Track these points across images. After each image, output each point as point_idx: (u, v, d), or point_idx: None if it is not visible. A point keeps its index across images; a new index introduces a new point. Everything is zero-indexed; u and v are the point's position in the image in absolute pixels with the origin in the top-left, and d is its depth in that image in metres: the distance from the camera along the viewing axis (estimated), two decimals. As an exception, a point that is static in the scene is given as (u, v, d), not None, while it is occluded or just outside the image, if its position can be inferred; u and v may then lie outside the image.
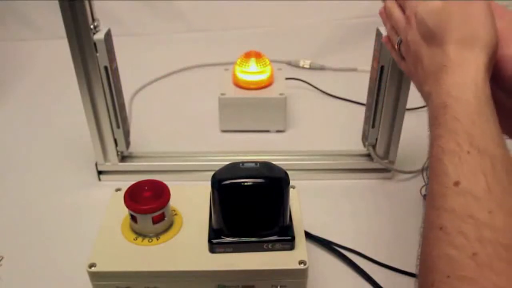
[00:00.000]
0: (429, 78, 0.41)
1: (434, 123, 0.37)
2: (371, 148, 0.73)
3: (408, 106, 0.67)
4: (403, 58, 0.49)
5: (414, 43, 0.44)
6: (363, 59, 0.84)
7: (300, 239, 0.50)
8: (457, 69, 0.39)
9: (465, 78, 0.38)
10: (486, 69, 0.38)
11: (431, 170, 0.36)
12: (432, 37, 0.41)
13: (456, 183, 0.34)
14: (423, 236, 0.36)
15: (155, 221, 0.50)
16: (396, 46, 0.49)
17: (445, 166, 0.35)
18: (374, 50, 0.66)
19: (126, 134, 0.72)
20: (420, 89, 0.44)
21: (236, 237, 0.49)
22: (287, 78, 0.91)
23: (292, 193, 0.53)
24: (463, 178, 0.34)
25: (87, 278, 0.48)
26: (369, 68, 0.68)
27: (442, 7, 0.41)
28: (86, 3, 0.59)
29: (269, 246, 0.49)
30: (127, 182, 0.53)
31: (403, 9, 0.47)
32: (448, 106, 0.37)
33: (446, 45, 0.40)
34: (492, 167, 0.33)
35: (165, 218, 0.51)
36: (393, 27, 0.50)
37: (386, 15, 0.51)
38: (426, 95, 0.42)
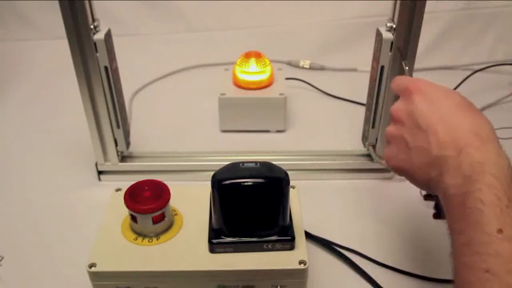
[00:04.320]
0: (448, 147, 0.42)
1: (469, 179, 0.39)
2: (371, 148, 0.73)
3: (408, 106, 0.67)
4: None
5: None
6: (363, 59, 0.84)
7: (300, 239, 0.50)
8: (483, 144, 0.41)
9: (496, 147, 0.41)
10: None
11: (465, 221, 0.38)
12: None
13: (500, 231, 0.36)
14: (463, 281, 0.38)
15: (155, 221, 0.50)
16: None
17: (486, 216, 0.37)
18: (374, 50, 0.66)
19: (126, 134, 0.72)
20: (439, 153, 0.42)
21: (236, 237, 0.49)
22: (287, 78, 0.91)
23: (292, 193, 0.53)
24: (506, 226, 0.36)
25: (87, 278, 0.48)
26: (369, 68, 0.68)
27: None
28: (86, 3, 0.59)
29: (269, 246, 0.49)
30: (127, 182, 0.53)
31: None
32: (485, 164, 0.39)
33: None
34: None
35: (165, 218, 0.51)
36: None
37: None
38: (446, 160, 0.42)
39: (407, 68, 0.61)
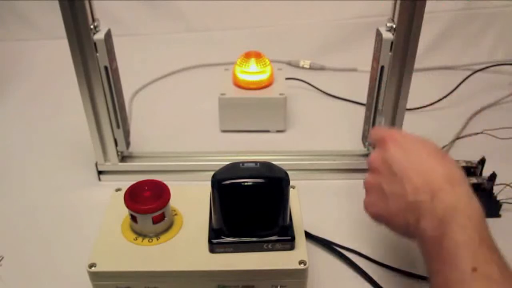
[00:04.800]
0: (423, 192, 0.44)
1: (444, 221, 0.41)
2: (371, 148, 0.73)
3: (408, 106, 0.67)
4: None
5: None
6: (363, 59, 0.84)
7: (300, 239, 0.50)
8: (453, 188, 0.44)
9: (468, 191, 0.44)
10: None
11: (441, 261, 0.40)
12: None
13: (474, 269, 0.38)
14: None
15: (155, 221, 0.50)
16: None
17: (460, 256, 0.39)
18: (374, 50, 0.66)
19: (126, 134, 0.72)
20: (414, 199, 0.44)
21: (236, 237, 0.49)
22: (287, 78, 0.91)
23: (292, 193, 0.53)
24: (479, 265, 0.38)
25: (87, 278, 0.48)
26: (369, 68, 0.68)
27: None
28: (86, 3, 0.59)
29: (269, 246, 0.49)
30: (127, 182, 0.53)
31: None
32: (457, 207, 0.42)
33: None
34: (499, 258, 0.39)
35: (165, 218, 0.51)
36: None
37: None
38: (421, 205, 0.44)
39: (383, 120, 0.66)
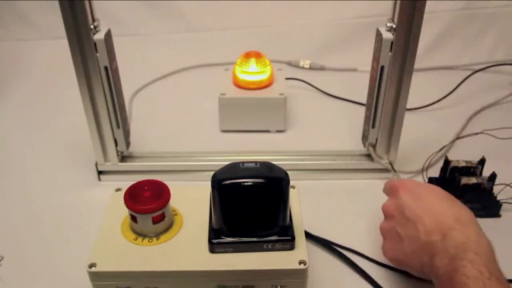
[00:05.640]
0: (435, 232, 0.47)
1: (455, 258, 0.44)
2: (371, 148, 0.73)
3: (408, 106, 0.67)
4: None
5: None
6: (363, 59, 0.84)
7: (300, 239, 0.50)
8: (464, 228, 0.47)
9: (476, 229, 0.47)
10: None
11: None
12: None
13: None
14: None
15: (155, 221, 0.50)
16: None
17: None
18: (374, 50, 0.66)
19: (126, 134, 0.72)
20: (427, 239, 0.48)
21: (236, 237, 0.49)
22: (287, 78, 0.91)
23: (292, 193, 0.53)
24: None
25: (87, 278, 0.48)
26: (369, 68, 0.68)
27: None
28: (86, 3, 0.59)
29: (269, 246, 0.49)
30: (127, 182, 0.53)
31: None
32: (467, 244, 0.45)
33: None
34: None
35: (165, 218, 0.51)
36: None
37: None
38: (434, 245, 0.47)
39: (395, 173, 0.71)
